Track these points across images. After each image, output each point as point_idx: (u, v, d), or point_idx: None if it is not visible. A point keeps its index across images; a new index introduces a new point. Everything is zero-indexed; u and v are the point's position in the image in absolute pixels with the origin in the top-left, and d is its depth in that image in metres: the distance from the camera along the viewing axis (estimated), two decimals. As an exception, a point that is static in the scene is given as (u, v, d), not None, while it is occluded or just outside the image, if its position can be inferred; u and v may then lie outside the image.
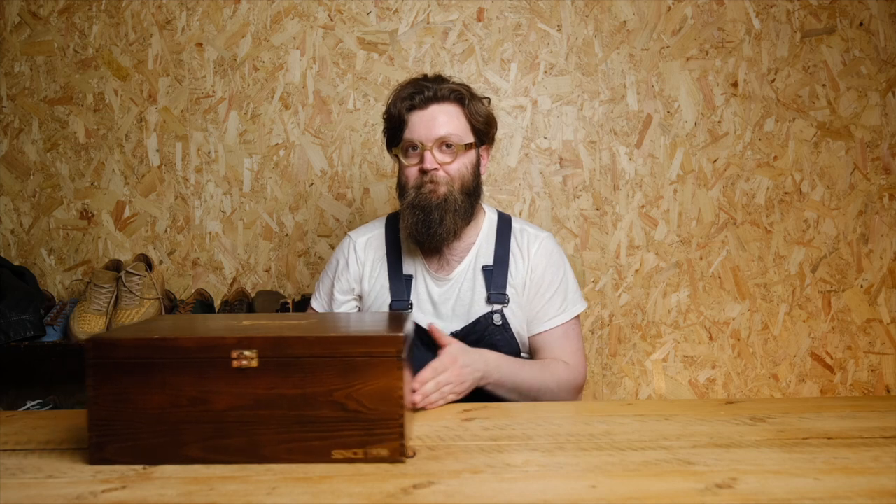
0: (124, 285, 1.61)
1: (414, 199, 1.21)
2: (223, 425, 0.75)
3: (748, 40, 1.85)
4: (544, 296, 1.26)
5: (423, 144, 1.20)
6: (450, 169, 1.21)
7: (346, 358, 0.76)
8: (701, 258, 1.87)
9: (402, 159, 1.24)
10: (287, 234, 1.87)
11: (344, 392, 0.75)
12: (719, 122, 1.86)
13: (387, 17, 1.86)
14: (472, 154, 1.25)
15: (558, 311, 1.26)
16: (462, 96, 1.23)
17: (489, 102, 1.30)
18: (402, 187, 1.25)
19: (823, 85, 1.86)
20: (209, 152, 1.86)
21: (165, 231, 1.87)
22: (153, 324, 0.92)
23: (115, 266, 1.70)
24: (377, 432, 0.75)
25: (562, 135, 1.86)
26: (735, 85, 1.85)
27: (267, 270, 1.87)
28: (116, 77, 1.85)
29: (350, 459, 0.75)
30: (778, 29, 1.85)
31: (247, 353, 0.75)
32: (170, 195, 1.87)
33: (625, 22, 1.86)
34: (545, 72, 1.86)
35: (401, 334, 0.77)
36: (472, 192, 1.24)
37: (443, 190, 1.20)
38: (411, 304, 1.26)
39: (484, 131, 1.27)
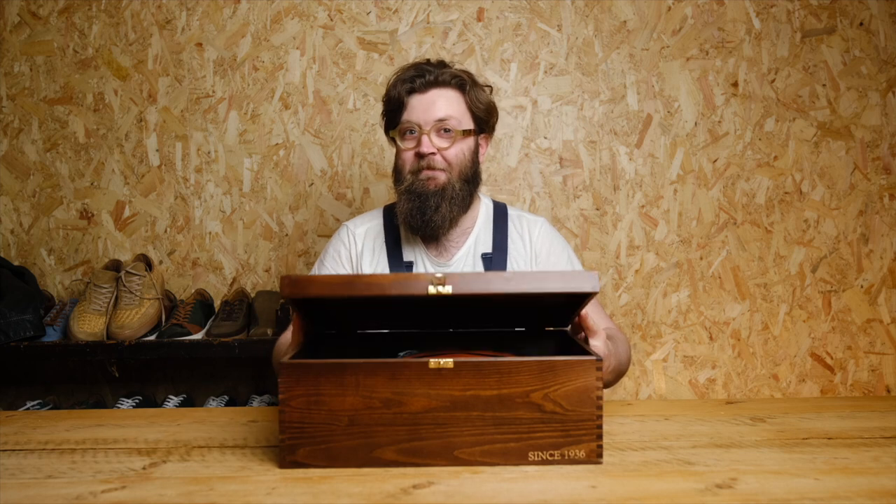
0: (124, 285, 1.61)
1: (411, 186, 1.20)
2: (418, 427, 0.74)
3: (748, 40, 1.85)
4: None
5: (420, 128, 1.19)
6: (447, 154, 1.19)
7: (545, 361, 0.75)
8: (701, 258, 1.87)
9: (398, 143, 1.23)
10: (287, 234, 1.87)
11: (541, 393, 0.74)
12: (719, 122, 1.86)
13: (387, 17, 1.85)
14: (470, 141, 1.23)
15: None
16: (463, 82, 1.22)
17: (491, 91, 1.29)
18: (398, 172, 1.24)
19: (823, 85, 1.85)
20: (209, 152, 1.86)
21: (165, 231, 1.87)
22: None
23: (115, 266, 1.70)
24: (574, 433, 0.75)
25: (562, 135, 1.86)
26: (735, 85, 1.85)
27: (267, 270, 1.87)
28: (116, 77, 1.85)
29: (546, 461, 0.75)
30: (778, 29, 1.85)
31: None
32: (170, 195, 1.86)
33: (625, 22, 1.85)
34: (545, 72, 1.86)
35: None
36: (470, 180, 1.23)
37: (441, 178, 1.19)
38: None
39: (484, 119, 1.25)
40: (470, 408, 0.74)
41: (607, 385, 1.14)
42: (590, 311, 1.26)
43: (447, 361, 0.73)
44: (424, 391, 0.74)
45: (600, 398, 0.75)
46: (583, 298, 0.86)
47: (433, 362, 0.74)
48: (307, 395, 0.74)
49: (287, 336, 1.23)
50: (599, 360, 0.74)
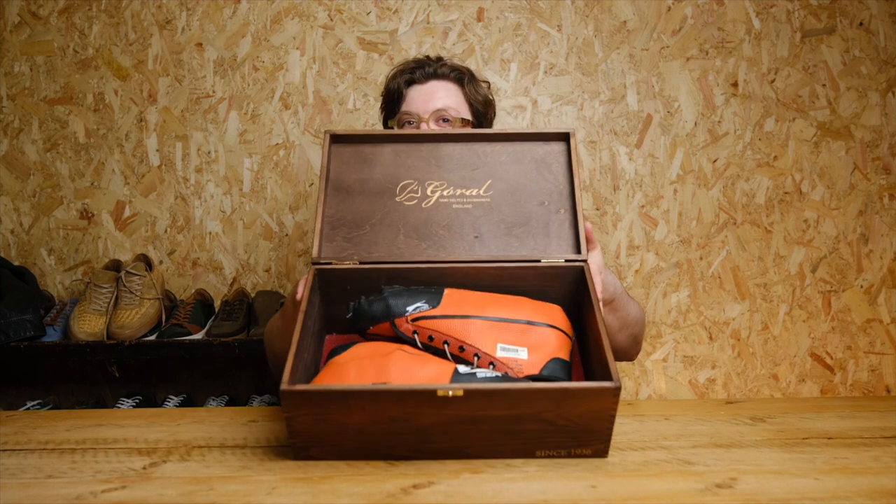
0: (124, 285, 1.61)
1: None
2: (427, 435, 0.75)
3: (748, 40, 1.85)
4: None
5: (419, 117, 1.20)
6: None
7: (559, 389, 0.73)
8: (701, 258, 1.87)
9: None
10: (287, 234, 1.87)
11: (554, 413, 0.74)
12: (719, 122, 1.86)
13: (387, 17, 1.85)
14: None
15: None
16: (462, 76, 1.25)
17: (489, 86, 1.31)
18: None
19: (823, 85, 1.85)
20: (209, 152, 1.86)
21: (165, 231, 1.87)
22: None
23: (115, 266, 1.70)
24: (582, 439, 0.76)
25: (562, 135, 1.86)
26: (735, 85, 1.85)
27: (267, 270, 1.87)
28: (116, 77, 1.85)
29: (553, 457, 0.77)
30: (778, 29, 1.85)
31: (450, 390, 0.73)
32: (170, 195, 1.86)
33: (625, 22, 1.85)
34: (545, 72, 1.86)
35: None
36: None
37: None
38: None
39: (482, 112, 1.27)
40: (480, 423, 0.75)
41: (622, 347, 1.11)
42: (601, 274, 1.25)
43: (457, 390, 0.72)
44: (433, 412, 0.74)
45: (613, 416, 0.75)
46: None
47: (441, 391, 0.72)
48: (313, 413, 0.74)
49: (277, 319, 1.18)
50: (618, 386, 0.73)
